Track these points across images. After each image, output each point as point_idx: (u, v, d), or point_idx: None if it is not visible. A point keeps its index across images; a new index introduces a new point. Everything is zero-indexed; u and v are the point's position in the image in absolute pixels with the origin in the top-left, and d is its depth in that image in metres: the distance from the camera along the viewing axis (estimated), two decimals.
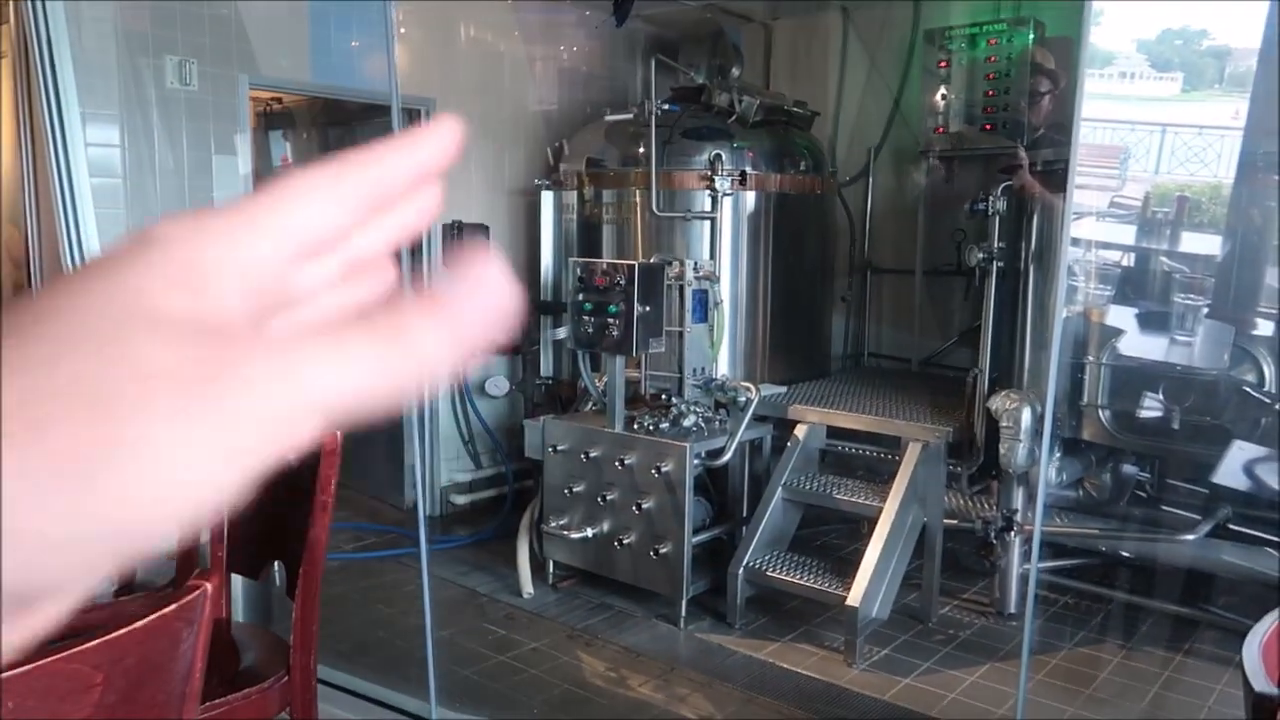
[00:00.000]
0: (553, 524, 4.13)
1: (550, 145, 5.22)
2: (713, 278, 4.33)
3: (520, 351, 5.21)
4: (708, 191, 4.54)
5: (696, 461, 3.92)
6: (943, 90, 5.11)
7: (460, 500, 5.24)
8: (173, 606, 1.17)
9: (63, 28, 3.69)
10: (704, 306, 4.29)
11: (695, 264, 4.24)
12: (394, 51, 3.08)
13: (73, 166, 3.73)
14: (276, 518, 2.11)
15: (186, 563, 2.40)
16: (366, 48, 4.77)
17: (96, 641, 1.10)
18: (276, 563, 2.19)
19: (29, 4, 3.64)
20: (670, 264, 4.21)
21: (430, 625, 2.57)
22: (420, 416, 5.09)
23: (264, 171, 5.78)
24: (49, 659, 1.04)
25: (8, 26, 4.63)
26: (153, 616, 1.15)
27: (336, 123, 5.46)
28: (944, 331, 5.45)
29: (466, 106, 5.16)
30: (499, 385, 5.13)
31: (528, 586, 4.19)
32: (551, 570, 4.28)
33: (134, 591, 2.45)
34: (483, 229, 5.14)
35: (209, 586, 1.21)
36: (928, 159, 5.37)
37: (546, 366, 5.03)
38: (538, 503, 4.34)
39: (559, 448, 4.14)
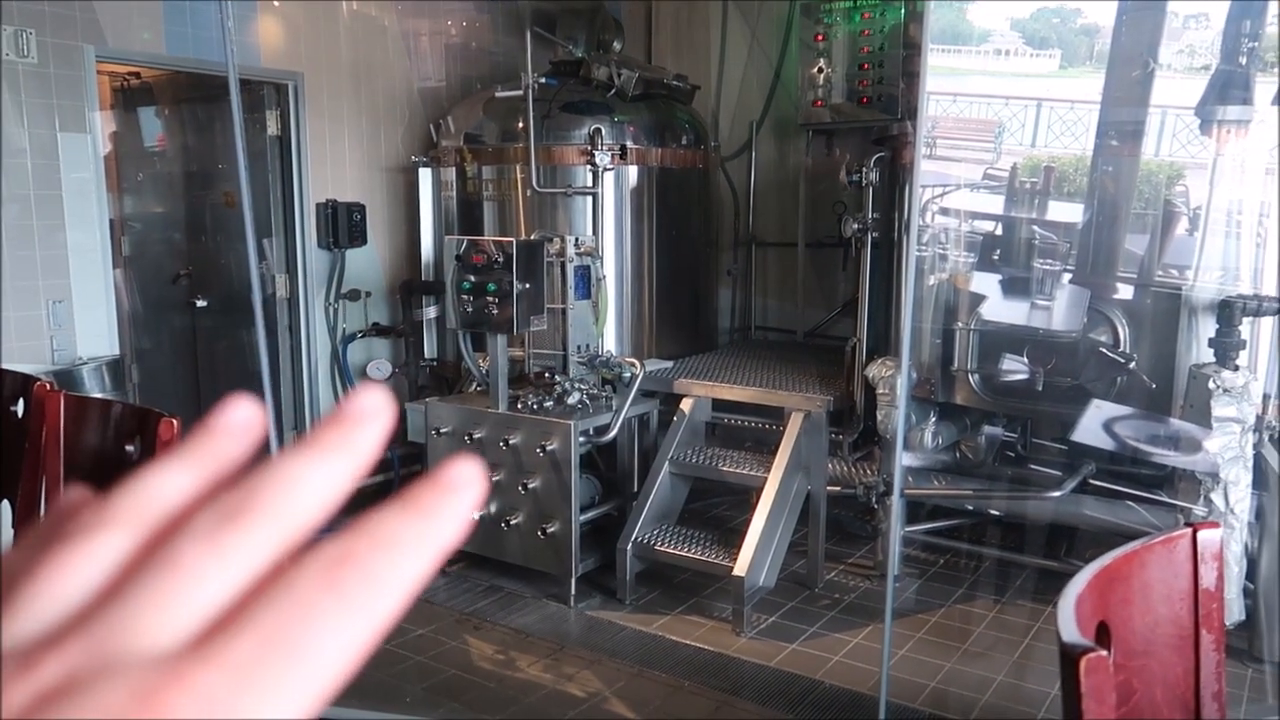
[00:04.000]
0: None
1: (432, 121, 5.08)
2: (595, 254, 4.29)
3: (401, 333, 5.08)
4: (588, 167, 4.50)
5: (583, 439, 3.89)
6: (821, 64, 5.16)
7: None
8: None
9: None
10: (586, 283, 4.25)
11: (577, 240, 4.19)
12: (229, 17, 2.92)
13: None
14: None
15: None
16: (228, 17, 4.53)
17: None
18: None
19: None
20: (551, 240, 4.15)
21: None
22: (276, 398, 4.93)
23: (131, 152, 5.47)
24: None
25: None
26: None
27: (204, 98, 5.19)
28: (828, 303, 5.54)
29: (341, 81, 4.98)
30: (381, 368, 4.99)
31: None
32: None
33: None
34: (358, 208, 4.98)
35: None
36: (808, 132, 5.43)
37: (430, 348, 4.92)
38: None
39: (442, 430, 4.06)
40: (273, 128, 4.81)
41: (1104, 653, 0.89)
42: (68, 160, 4.06)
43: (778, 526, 3.81)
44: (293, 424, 4.97)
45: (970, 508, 3.98)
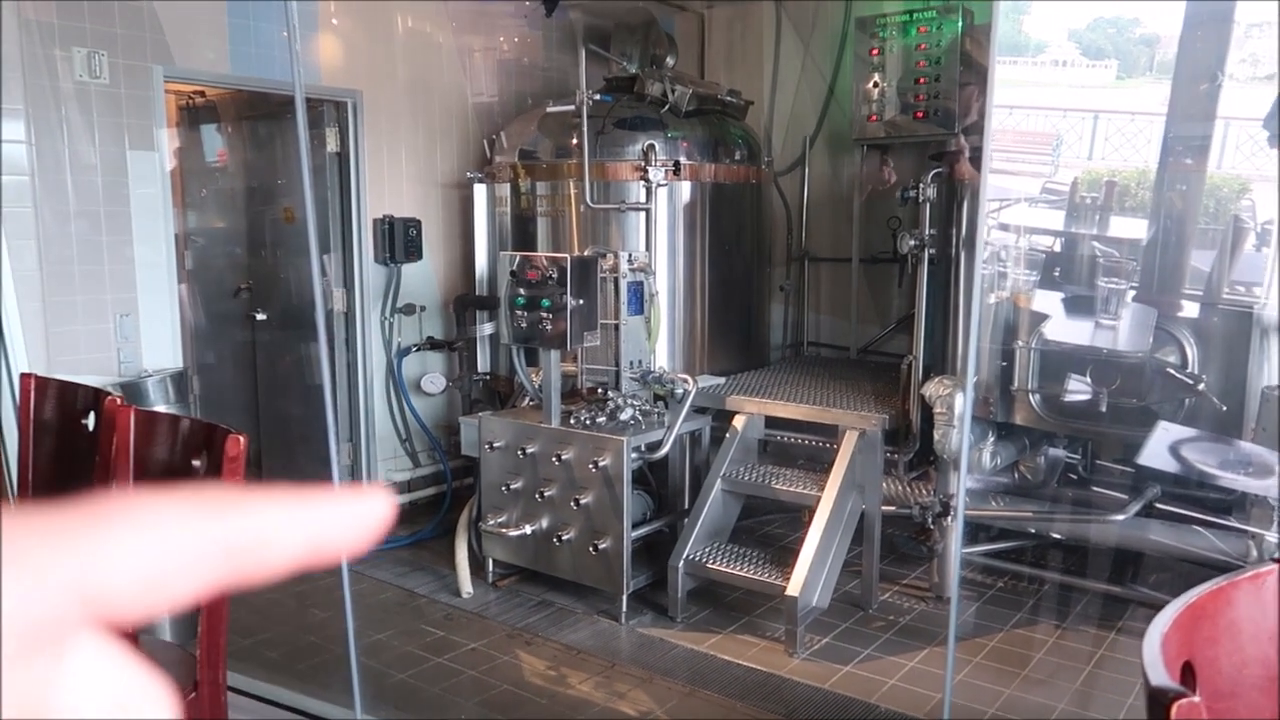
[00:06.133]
0: (491, 522, 4.06)
1: (486, 137, 5.13)
2: (648, 269, 4.29)
3: (455, 347, 5.13)
4: (642, 182, 4.50)
5: (635, 455, 3.88)
6: (876, 78, 5.12)
7: (398, 499, 5.14)
8: None
9: None
10: (640, 299, 4.25)
11: (630, 256, 4.20)
12: (296, 39, 2.98)
13: None
14: None
15: None
16: (285, 39, 4.63)
17: None
18: None
19: None
20: (604, 256, 4.16)
21: (352, 628, 2.49)
22: (348, 415, 4.99)
23: (195, 168, 5.61)
24: None
25: None
26: None
27: (265, 116, 5.31)
28: (882, 319, 5.48)
29: (398, 98, 5.05)
30: (435, 382, 5.04)
31: (467, 586, 4.12)
32: (491, 569, 4.22)
33: None
34: (414, 223, 5.04)
35: None
36: (862, 147, 5.38)
37: (483, 362, 4.96)
38: (475, 501, 4.27)
39: (495, 444, 4.08)
40: (332, 144, 4.90)
41: (1196, 699, 0.85)
42: (136, 177, 4.17)
43: (831, 546, 3.76)
44: (348, 435, 5.03)
45: (1033, 530, 3.89)
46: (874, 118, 5.17)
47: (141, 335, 4.18)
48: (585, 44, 4.78)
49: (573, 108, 4.59)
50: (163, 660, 2.06)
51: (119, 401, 2.27)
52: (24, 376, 2.52)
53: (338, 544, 0.31)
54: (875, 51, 5.12)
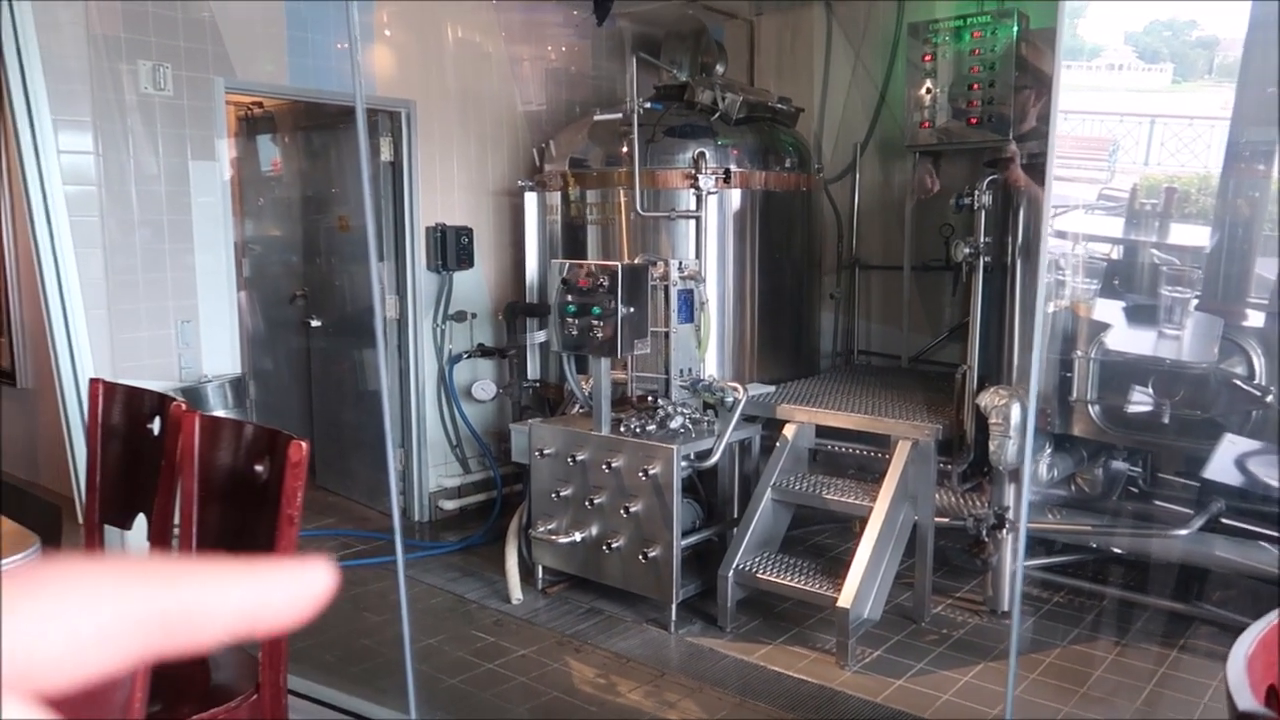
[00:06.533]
0: (541, 529, 4.08)
1: (536, 146, 5.17)
2: (698, 277, 4.28)
3: (506, 354, 5.17)
4: (692, 190, 4.50)
5: (684, 463, 3.87)
6: (928, 84, 5.07)
7: (449, 505, 5.19)
8: None
9: (32, 33, 3.63)
10: (690, 306, 4.24)
11: (680, 264, 4.19)
12: (358, 52, 3.03)
13: (46, 174, 3.67)
14: (245, 531, 2.06)
15: None
16: (346, 50, 4.71)
17: None
18: None
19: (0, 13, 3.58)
20: (655, 264, 4.17)
21: (408, 633, 2.51)
22: (404, 422, 5.05)
23: (252, 178, 5.73)
24: None
25: None
26: None
27: (320, 126, 5.40)
28: (934, 328, 5.41)
29: (449, 108, 5.11)
30: (486, 389, 5.08)
31: (516, 592, 4.14)
32: (541, 575, 4.23)
33: None
34: (466, 231, 5.09)
35: None
36: (914, 154, 5.33)
37: (533, 369, 4.99)
38: (526, 507, 4.29)
39: (546, 451, 4.09)
40: (386, 154, 4.97)
41: None
42: (197, 186, 4.27)
43: (883, 557, 3.72)
44: (400, 441, 5.09)
45: (1095, 545, 3.81)
46: (926, 124, 5.11)
47: (202, 341, 4.27)
48: (635, 52, 4.79)
49: (621, 115, 4.62)
50: (225, 662, 2.10)
51: (183, 407, 2.33)
52: (92, 382, 2.59)
53: (275, 615, 0.32)
54: (928, 57, 5.07)
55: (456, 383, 5.13)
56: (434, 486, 5.18)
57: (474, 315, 5.19)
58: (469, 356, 5.16)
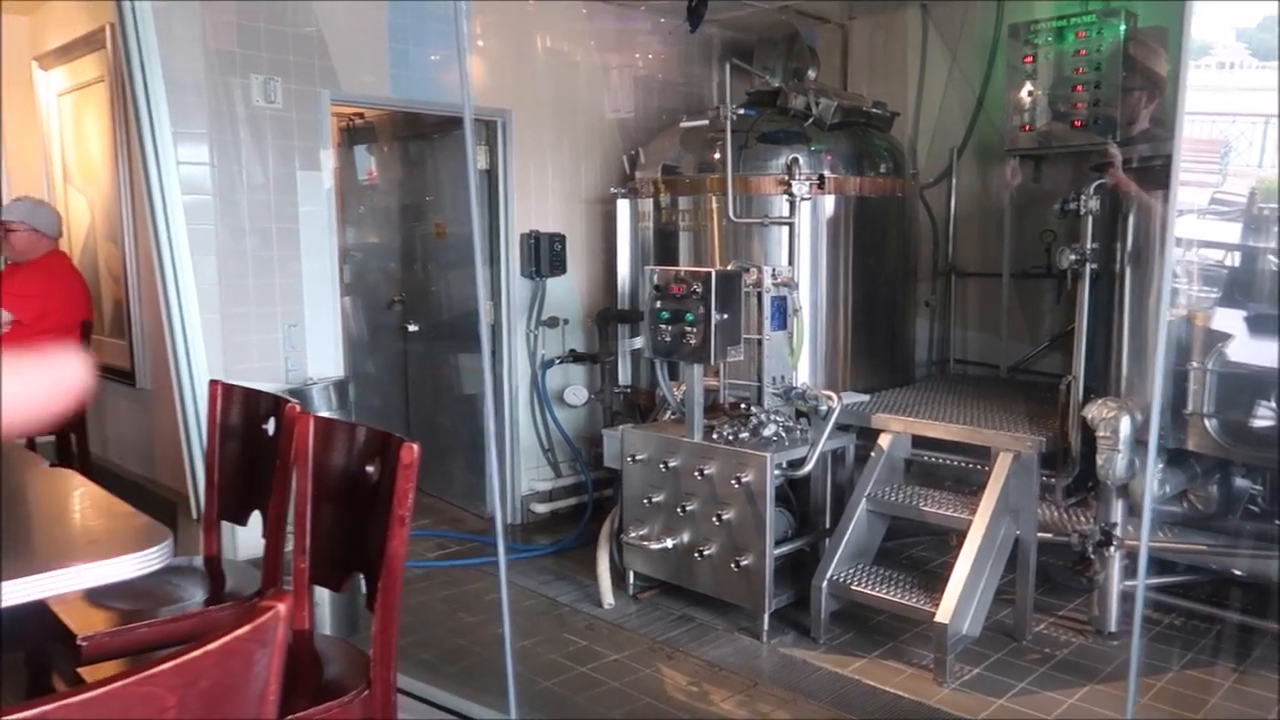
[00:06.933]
0: (632, 534, 4.10)
1: (626, 153, 5.21)
2: (791, 284, 4.24)
3: (597, 360, 5.20)
4: (785, 196, 4.47)
5: (777, 472, 3.84)
6: (1029, 86, 4.93)
7: (540, 509, 5.25)
8: (246, 628, 1.15)
9: (155, 50, 3.81)
10: (783, 313, 4.21)
11: (773, 270, 4.17)
12: (467, 63, 3.09)
13: (166, 185, 3.85)
14: (357, 530, 2.12)
15: (272, 573, 2.43)
16: (444, 61, 4.82)
17: (170, 664, 1.09)
18: (359, 575, 2.20)
19: (124, 29, 3.78)
20: (748, 270, 4.15)
21: (509, 636, 2.55)
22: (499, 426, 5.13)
23: (352, 186, 5.90)
24: (122, 682, 1.03)
25: (104, 52, 4.82)
26: (226, 638, 1.13)
27: (417, 136, 5.55)
28: (1033, 337, 5.26)
29: (542, 116, 5.18)
30: (577, 394, 5.13)
31: (608, 597, 4.16)
32: (632, 581, 4.25)
33: (223, 601, 2.49)
34: (559, 238, 5.15)
35: (282, 607, 1.19)
36: (1014, 158, 5.19)
37: (624, 375, 5.01)
38: (617, 512, 4.31)
39: (638, 457, 4.11)
40: (482, 162, 5.06)
41: None
42: (304, 195, 4.41)
43: (983, 573, 3.62)
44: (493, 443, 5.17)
45: (1214, 566, 3.64)
46: (1027, 127, 4.98)
47: (307, 344, 4.41)
48: (728, 59, 4.78)
49: (706, 122, 4.63)
50: (338, 656, 2.16)
51: (298, 409, 2.41)
52: (212, 383, 2.70)
53: (30, 409, 0.34)
54: (1029, 59, 4.93)
55: (549, 388, 5.19)
56: (526, 490, 5.24)
57: (566, 321, 5.25)
58: (561, 362, 5.22)
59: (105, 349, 5.05)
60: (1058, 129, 4.89)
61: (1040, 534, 3.81)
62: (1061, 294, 4.57)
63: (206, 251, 4.09)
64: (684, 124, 4.77)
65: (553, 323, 5.17)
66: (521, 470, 5.22)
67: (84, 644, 2.15)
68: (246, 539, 3.23)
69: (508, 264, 5.06)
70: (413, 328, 5.54)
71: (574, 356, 5.25)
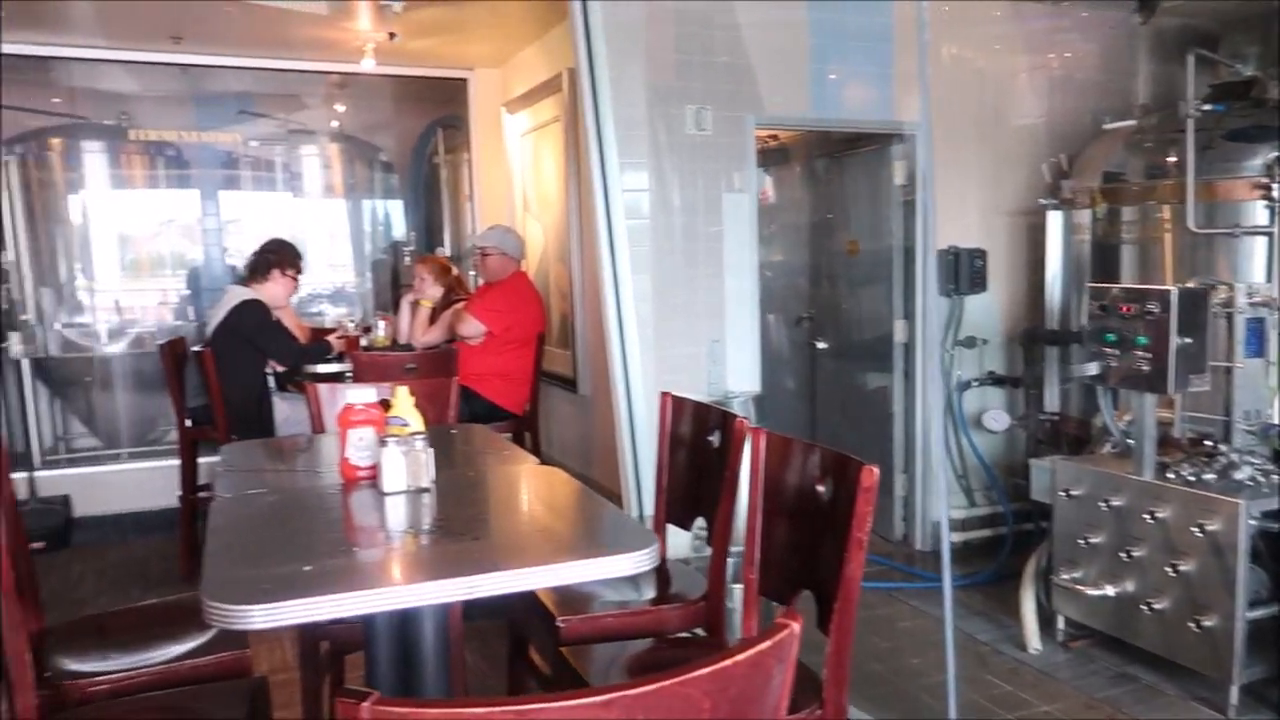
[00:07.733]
0: (1065, 576, 3.76)
1: (1046, 161, 4.82)
2: (1271, 304, 3.65)
3: (1020, 384, 4.86)
4: (1263, 202, 3.85)
5: (1252, 522, 3.31)
6: None
7: (953, 537, 5.01)
8: (768, 643, 1.20)
9: (607, 89, 4.20)
10: (1260, 338, 3.63)
11: (1249, 288, 3.61)
12: (926, 76, 3.02)
13: (612, 211, 4.23)
14: (809, 548, 2.13)
15: (716, 581, 2.54)
16: (859, 78, 4.81)
17: (706, 670, 1.16)
18: (805, 591, 2.22)
19: (582, 72, 4.21)
20: (1214, 288, 3.63)
21: (953, 680, 2.43)
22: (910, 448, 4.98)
23: (763, 206, 6.09)
24: (666, 682, 1.11)
25: (560, 95, 5.43)
26: (751, 651, 1.18)
27: (824, 154, 5.59)
28: None
29: (959, 127, 4.96)
30: (998, 419, 4.83)
31: (1034, 641, 3.85)
32: (1061, 626, 3.89)
33: (669, 600, 2.65)
34: (979, 254, 4.90)
35: (795, 626, 1.22)
36: None
37: (1051, 401, 4.63)
38: (1046, 550, 3.98)
39: (1073, 492, 3.76)
40: (899, 177, 4.97)
41: None
42: (729, 216, 4.62)
43: None
44: (903, 467, 5.04)
45: None
46: None
47: (726, 359, 4.60)
48: (1194, 49, 4.23)
49: (1131, 124, 4.14)
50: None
51: (747, 424, 2.49)
52: (663, 395, 2.89)
53: None
54: None
55: (965, 411, 4.94)
56: (936, 516, 5.04)
57: (984, 341, 4.97)
58: (979, 384, 4.95)
59: (552, 358, 5.67)
60: None
61: None
62: None
63: (641, 270, 4.42)
64: (1107, 126, 4.34)
65: (970, 343, 4.92)
66: (932, 496, 5.02)
67: (562, 625, 2.39)
68: (673, 541, 3.42)
69: (925, 281, 4.90)
70: (821, 345, 5.57)
71: (993, 379, 4.95)
